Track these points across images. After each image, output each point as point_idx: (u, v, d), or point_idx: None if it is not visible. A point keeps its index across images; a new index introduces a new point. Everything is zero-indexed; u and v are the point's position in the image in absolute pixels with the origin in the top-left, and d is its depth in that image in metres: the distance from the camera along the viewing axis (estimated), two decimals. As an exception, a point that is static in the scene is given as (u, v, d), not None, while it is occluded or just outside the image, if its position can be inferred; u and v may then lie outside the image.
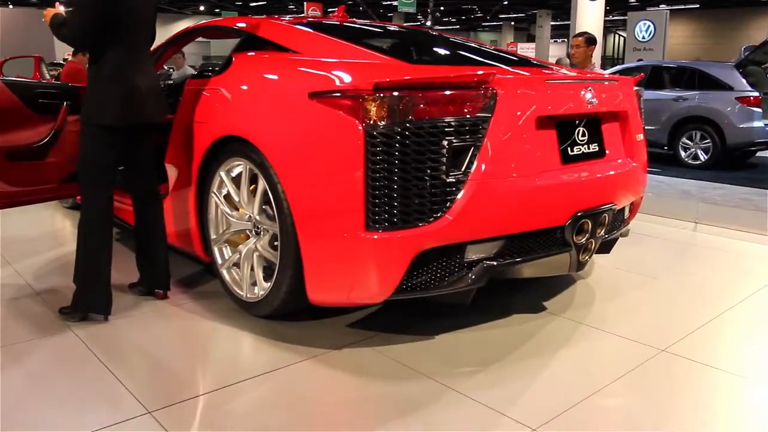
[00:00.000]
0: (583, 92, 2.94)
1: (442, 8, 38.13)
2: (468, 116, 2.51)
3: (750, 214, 5.15)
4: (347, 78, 2.60)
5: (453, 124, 2.49)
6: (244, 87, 3.07)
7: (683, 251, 4.52)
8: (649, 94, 10.30)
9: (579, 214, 2.85)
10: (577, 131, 2.95)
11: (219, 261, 3.25)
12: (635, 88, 3.42)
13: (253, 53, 3.27)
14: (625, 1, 31.91)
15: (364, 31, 3.82)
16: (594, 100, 2.97)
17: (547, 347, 2.83)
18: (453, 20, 46.03)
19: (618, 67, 12.74)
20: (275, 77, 2.98)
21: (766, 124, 9.47)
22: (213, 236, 3.26)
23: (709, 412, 2.36)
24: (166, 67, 9.00)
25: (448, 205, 2.49)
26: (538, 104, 2.74)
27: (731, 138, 9.44)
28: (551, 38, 32.26)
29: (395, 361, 2.66)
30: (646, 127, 9.50)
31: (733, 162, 9.88)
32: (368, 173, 2.45)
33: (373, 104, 2.44)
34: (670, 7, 30.22)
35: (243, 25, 3.59)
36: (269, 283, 2.90)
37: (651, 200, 5.49)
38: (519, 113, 2.67)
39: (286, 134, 2.74)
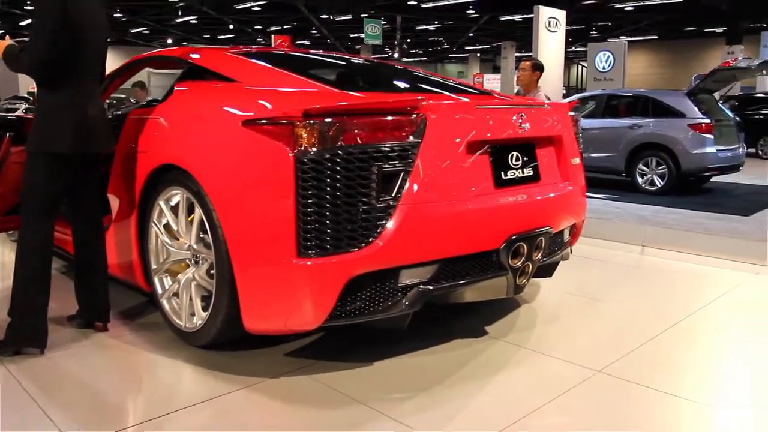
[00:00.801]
0: (515, 118, 3.00)
1: (408, 41, 38.72)
2: (397, 142, 2.55)
3: (694, 237, 5.27)
4: (278, 105, 2.63)
5: (383, 149, 2.52)
6: (182, 116, 3.08)
7: (628, 274, 4.60)
8: (606, 122, 10.54)
9: (513, 237, 2.89)
10: (510, 156, 3.01)
11: (159, 291, 3.22)
12: (571, 113, 3.51)
13: (193, 82, 3.29)
14: (587, 32, 32.72)
15: (305, 60, 3.87)
16: (526, 125, 3.03)
17: (485, 371, 2.84)
18: (420, 52, 46.74)
19: (576, 96, 13.01)
20: (211, 106, 2.99)
21: (718, 150, 9.70)
22: (153, 266, 3.23)
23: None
24: (133, 101, 8.96)
25: (379, 230, 2.52)
26: (468, 129, 2.79)
27: (685, 164, 9.64)
28: (516, 69, 32.80)
29: (331, 388, 2.65)
30: (603, 155, 9.67)
31: (689, 187, 10.08)
32: (299, 200, 2.46)
33: (303, 131, 2.46)
34: (629, 39, 31.16)
35: (185, 55, 3.61)
36: (207, 313, 2.88)
37: (600, 224, 5.61)
38: (449, 138, 2.72)
39: (221, 162, 2.75)
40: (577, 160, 3.45)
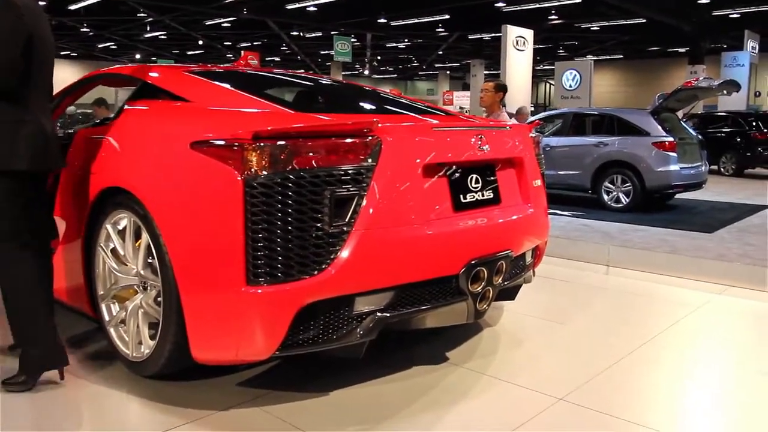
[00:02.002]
0: (473, 139, 2.94)
1: (379, 58, 38.88)
2: (351, 165, 2.47)
3: (658, 257, 5.27)
4: (228, 127, 2.53)
5: (336, 173, 2.44)
6: (130, 137, 2.96)
7: (592, 295, 4.56)
8: (572, 140, 10.61)
9: (473, 262, 2.82)
10: (469, 178, 2.94)
11: (107, 318, 3.07)
12: (532, 134, 3.46)
13: (143, 101, 3.17)
14: (554, 51, 33.19)
15: (262, 79, 3.77)
16: (486, 147, 2.98)
17: (444, 400, 2.75)
18: (390, 69, 46.95)
19: (542, 114, 13.11)
20: (160, 127, 2.88)
21: (682, 168, 9.82)
22: (101, 292, 3.09)
23: (600, 463, 2.31)
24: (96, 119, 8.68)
25: (332, 256, 2.42)
26: (426, 152, 2.72)
27: (650, 181, 9.72)
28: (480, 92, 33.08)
29: (283, 421, 2.54)
30: (570, 172, 9.72)
31: (654, 204, 10.17)
32: (248, 225, 2.36)
33: (253, 154, 2.37)
34: (595, 58, 31.68)
35: (138, 72, 3.49)
36: (155, 341, 2.75)
37: (565, 245, 5.58)
38: (406, 161, 2.64)
39: (168, 185, 2.63)
40: (538, 182, 3.40)
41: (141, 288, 2.89)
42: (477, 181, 2.97)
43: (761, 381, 3.08)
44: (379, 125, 2.57)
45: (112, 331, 3.03)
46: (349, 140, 2.49)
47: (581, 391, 2.84)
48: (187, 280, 2.53)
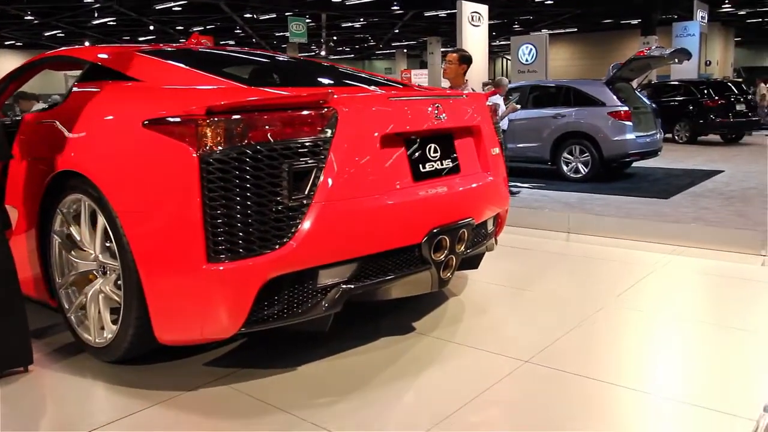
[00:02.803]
0: (430, 109, 2.94)
1: (335, 38, 38.53)
2: (308, 137, 2.45)
3: (616, 222, 5.38)
4: (180, 103, 2.48)
5: (293, 146, 2.42)
6: (80, 119, 2.88)
7: (554, 262, 4.63)
8: (531, 113, 10.70)
9: (435, 230, 2.83)
10: (428, 148, 2.95)
11: (66, 306, 3.01)
12: (489, 103, 3.48)
13: (93, 83, 3.09)
14: (510, 26, 33.32)
15: (215, 57, 3.70)
16: (443, 116, 2.98)
17: (412, 369, 2.77)
18: (347, 49, 46.61)
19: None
20: (111, 107, 2.81)
21: (637, 137, 9.99)
22: (58, 280, 3.03)
23: (571, 418, 2.36)
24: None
25: (292, 230, 2.41)
26: (383, 122, 2.72)
27: (607, 151, 9.88)
28: (442, 63, 33.14)
29: (251, 397, 2.53)
30: (529, 144, 9.81)
31: (612, 173, 10.34)
32: (206, 202, 2.33)
33: (207, 129, 2.33)
34: (550, 32, 31.89)
35: (87, 54, 3.40)
36: (117, 326, 2.71)
37: (526, 214, 5.65)
38: (363, 132, 2.63)
39: (122, 166, 2.58)
40: (496, 150, 3.42)
41: (100, 273, 2.84)
42: (435, 151, 2.98)
43: (719, 333, 3.17)
44: (335, 96, 2.55)
45: (72, 318, 2.98)
46: (304, 112, 2.47)
47: (546, 353, 2.89)
48: (147, 261, 2.49)
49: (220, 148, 2.33)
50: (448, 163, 3.04)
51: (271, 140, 2.39)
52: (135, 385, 2.65)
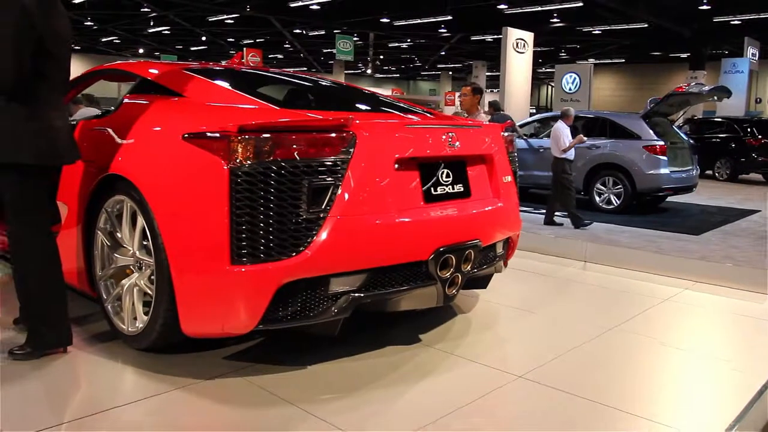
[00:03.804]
0: (444, 137, 3.19)
1: (381, 57, 39.09)
2: (327, 157, 2.72)
3: (633, 253, 5.51)
4: (216, 120, 2.77)
5: (313, 164, 2.69)
6: (128, 128, 3.20)
7: (566, 288, 4.80)
8: (566, 142, 10.81)
9: (441, 249, 3.06)
10: (440, 173, 3.19)
11: (104, 296, 3.32)
12: (504, 134, 3.70)
13: (140, 96, 3.41)
14: (556, 54, 33.39)
15: (253, 77, 4.02)
16: (456, 144, 3.22)
17: (413, 375, 3.00)
18: (393, 69, 47.18)
19: (537, 116, 13.34)
20: (155, 119, 3.12)
21: (672, 171, 10.02)
22: (99, 272, 3.34)
23: (546, 429, 2.55)
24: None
25: (308, 240, 2.67)
26: (398, 147, 2.97)
27: (641, 184, 9.92)
28: (487, 88, 33.37)
29: (262, 389, 2.78)
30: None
31: (644, 207, 10.37)
32: (233, 210, 2.61)
33: (238, 145, 2.62)
34: (597, 61, 31.88)
35: (138, 68, 3.74)
36: (148, 317, 3.00)
37: (545, 241, 5.82)
38: (379, 155, 2.89)
39: (162, 174, 2.88)
40: (508, 178, 3.64)
41: (136, 268, 3.14)
42: (447, 176, 3.22)
43: (713, 365, 3.32)
44: (356, 122, 2.81)
45: (109, 308, 3.28)
46: (326, 135, 2.74)
47: (540, 370, 3.08)
48: (178, 260, 2.77)
49: (248, 162, 2.61)
50: (459, 188, 3.28)
51: (295, 158, 2.66)
52: (160, 371, 2.93)
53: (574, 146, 8.57)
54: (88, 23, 28.38)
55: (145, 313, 3.06)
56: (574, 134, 8.75)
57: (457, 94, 7.17)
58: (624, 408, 2.74)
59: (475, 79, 31.79)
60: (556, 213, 8.70)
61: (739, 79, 22.42)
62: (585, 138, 8.93)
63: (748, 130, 15.83)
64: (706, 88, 10.80)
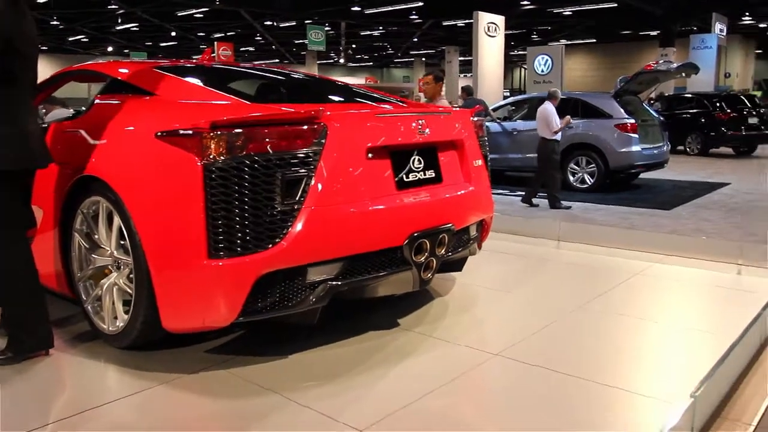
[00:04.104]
0: (414, 124, 3.25)
1: (353, 46, 38.98)
2: (299, 150, 2.77)
3: (605, 230, 5.64)
4: (188, 118, 2.80)
5: (286, 157, 2.73)
6: (101, 129, 3.21)
7: (541, 267, 4.90)
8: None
9: (415, 234, 3.12)
10: (412, 159, 3.25)
11: (84, 297, 3.34)
12: (474, 119, 3.77)
13: (112, 96, 3.43)
14: (528, 36, 33.54)
15: (223, 73, 4.04)
16: (426, 131, 3.28)
17: (392, 359, 3.07)
18: (366, 57, 47.08)
19: (510, 99, 13.44)
20: (128, 119, 3.14)
21: (643, 149, 10.18)
22: (77, 274, 3.36)
23: (524, 405, 2.64)
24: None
25: (284, 231, 2.72)
26: (369, 136, 3.03)
27: (613, 162, 10.06)
28: (460, 73, 33.46)
29: (245, 380, 2.84)
30: (537, 155, 9.99)
31: (618, 184, 10.53)
32: (208, 205, 2.65)
33: (211, 141, 2.65)
34: (568, 42, 32.07)
35: (108, 69, 3.74)
36: (128, 315, 3.03)
37: (519, 222, 5.93)
38: (351, 145, 2.94)
39: (137, 173, 2.91)
40: (479, 162, 3.71)
41: (115, 267, 3.17)
42: (419, 162, 3.28)
43: (688, 336, 3.44)
44: (327, 113, 2.86)
45: (89, 308, 3.30)
46: (298, 127, 2.79)
47: (517, 348, 3.17)
48: (156, 257, 2.81)
49: (221, 158, 2.65)
50: (430, 174, 3.34)
51: (268, 151, 2.71)
52: (142, 368, 2.97)
53: (563, 129, 8.75)
54: (54, 22, 27.96)
55: (126, 312, 3.09)
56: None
57: (420, 83, 7.52)
58: (599, 380, 2.83)
59: (449, 64, 31.84)
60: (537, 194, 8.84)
61: (708, 54, 22.73)
62: (570, 119, 9.05)
63: (717, 105, 16.06)
64: (674, 65, 10.97)
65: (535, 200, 8.82)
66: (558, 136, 8.72)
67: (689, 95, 17.50)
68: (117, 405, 2.63)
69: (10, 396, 2.74)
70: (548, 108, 8.66)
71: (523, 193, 9.17)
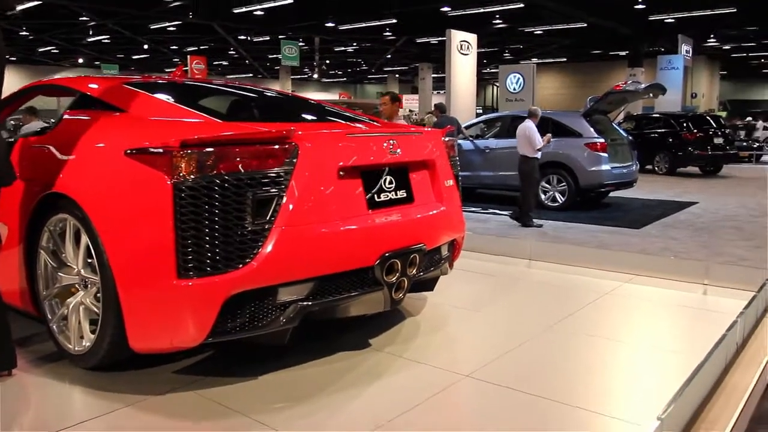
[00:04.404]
0: (385, 144, 3.26)
1: (327, 62, 39.08)
2: (270, 169, 2.76)
3: (575, 249, 5.71)
4: (158, 135, 2.78)
5: (256, 176, 2.72)
6: (69, 145, 3.16)
7: (512, 286, 4.93)
8: (510, 142, 10.99)
9: (387, 254, 3.12)
10: (383, 180, 3.26)
11: (49, 316, 3.27)
12: (445, 139, 3.79)
13: (81, 112, 3.38)
14: (500, 54, 33.95)
15: (195, 90, 4.02)
16: (398, 151, 3.29)
17: (362, 380, 3.05)
18: (340, 73, 47.22)
19: (482, 117, 13.57)
20: (97, 136, 3.10)
21: (613, 168, 10.33)
22: (43, 292, 3.29)
23: (498, 428, 2.64)
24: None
25: (254, 251, 2.71)
26: (340, 156, 3.03)
27: (583, 180, 10.20)
28: (433, 89, 33.75)
29: (213, 401, 2.80)
30: (509, 173, 10.08)
31: (588, 202, 10.66)
32: (177, 224, 2.62)
33: (181, 160, 2.63)
34: (539, 60, 32.52)
35: (77, 84, 3.70)
36: (95, 335, 2.98)
37: (491, 241, 5.96)
38: (322, 165, 2.94)
39: (105, 190, 2.87)
40: (450, 182, 3.73)
41: (81, 286, 3.11)
42: (390, 182, 3.29)
43: (656, 356, 3.48)
44: (298, 132, 2.86)
45: (54, 327, 3.23)
46: (269, 146, 2.78)
47: (487, 368, 3.18)
48: (124, 276, 2.77)
49: (192, 176, 2.63)
50: (402, 194, 3.35)
51: (239, 170, 2.69)
52: (109, 389, 2.91)
53: (543, 147, 8.92)
54: (24, 33, 27.57)
55: (92, 332, 3.03)
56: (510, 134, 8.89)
57: (377, 102, 8.26)
58: (570, 402, 2.84)
59: (422, 81, 32.15)
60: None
61: (675, 75, 23.24)
62: (549, 136, 9.17)
63: (684, 125, 16.40)
64: (642, 86, 11.18)
65: (537, 221, 8.84)
66: (539, 154, 8.83)
67: (657, 115, 17.85)
68: (82, 427, 2.58)
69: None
70: (530, 126, 8.79)
71: (510, 213, 9.17)
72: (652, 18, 23.42)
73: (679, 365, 3.26)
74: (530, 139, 8.66)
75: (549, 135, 9.05)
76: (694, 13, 22.07)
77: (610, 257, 5.39)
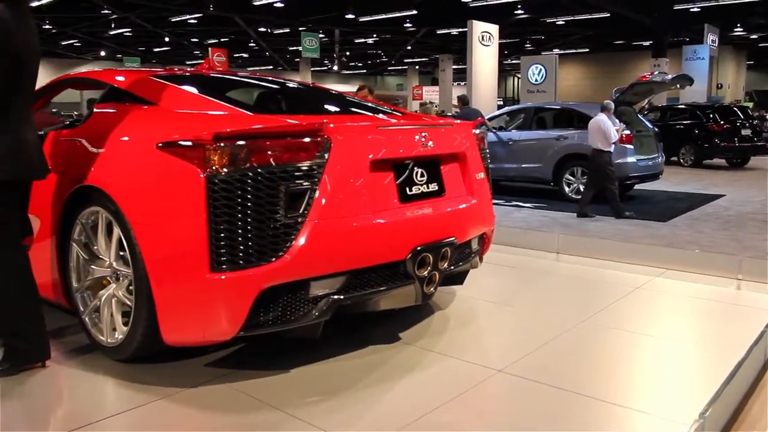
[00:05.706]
0: (417, 137, 3.22)
1: (348, 53, 39.03)
2: (304, 162, 2.74)
3: (603, 243, 5.62)
4: (191, 129, 2.77)
5: (289, 169, 2.70)
6: (101, 138, 3.17)
7: (540, 279, 4.88)
8: (534, 134, 10.94)
9: (419, 248, 3.09)
10: (414, 172, 3.22)
11: (81, 308, 3.29)
12: (476, 131, 3.75)
13: (111, 105, 3.39)
14: (522, 45, 33.69)
15: (224, 82, 4.01)
16: (429, 143, 3.26)
17: (394, 374, 3.03)
18: (360, 65, 47.15)
19: (506, 109, 13.47)
20: (128, 129, 3.10)
21: (638, 160, 10.19)
22: (75, 284, 3.31)
23: (531, 425, 2.60)
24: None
25: (287, 244, 2.69)
26: (373, 149, 3.00)
27: (609, 173, 10.05)
28: (454, 81, 33.55)
29: (247, 395, 2.80)
30: (532, 165, 10.03)
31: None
32: (210, 218, 2.61)
33: (214, 153, 2.62)
34: (561, 51, 32.22)
35: (107, 77, 3.70)
36: (127, 327, 2.99)
37: (518, 234, 5.91)
38: (354, 158, 2.91)
39: (137, 184, 2.87)
40: (481, 175, 3.68)
41: (114, 279, 3.12)
42: (422, 175, 3.26)
43: (687, 351, 3.42)
44: (330, 125, 2.83)
45: (87, 320, 3.25)
46: (301, 139, 2.76)
47: (519, 363, 3.14)
48: (157, 269, 2.77)
49: (224, 170, 2.62)
50: (433, 187, 3.32)
51: (271, 164, 2.68)
52: (142, 381, 2.92)
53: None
54: (47, 26, 27.83)
55: (125, 324, 3.04)
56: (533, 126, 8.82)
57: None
58: (602, 397, 2.81)
59: (442, 72, 31.97)
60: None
61: (700, 65, 22.88)
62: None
63: (711, 116, 16.12)
64: (669, 76, 11.01)
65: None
66: (612, 148, 8.79)
67: (683, 106, 17.57)
68: (115, 420, 2.59)
69: (5, 409, 2.68)
70: (604, 119, 8.76)
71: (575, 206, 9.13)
72: (677, 7, 23.06)
73: (715, 362, 3.20)
74: (606, 132, 8.66)
75: (622, 125, 9.01)
76: (721, 2, 21.70)
77: (640, 251, 5.32)
